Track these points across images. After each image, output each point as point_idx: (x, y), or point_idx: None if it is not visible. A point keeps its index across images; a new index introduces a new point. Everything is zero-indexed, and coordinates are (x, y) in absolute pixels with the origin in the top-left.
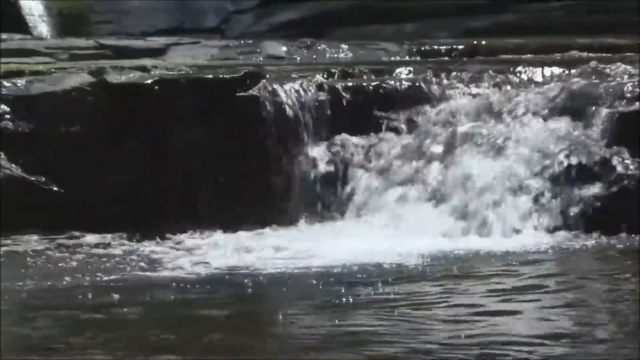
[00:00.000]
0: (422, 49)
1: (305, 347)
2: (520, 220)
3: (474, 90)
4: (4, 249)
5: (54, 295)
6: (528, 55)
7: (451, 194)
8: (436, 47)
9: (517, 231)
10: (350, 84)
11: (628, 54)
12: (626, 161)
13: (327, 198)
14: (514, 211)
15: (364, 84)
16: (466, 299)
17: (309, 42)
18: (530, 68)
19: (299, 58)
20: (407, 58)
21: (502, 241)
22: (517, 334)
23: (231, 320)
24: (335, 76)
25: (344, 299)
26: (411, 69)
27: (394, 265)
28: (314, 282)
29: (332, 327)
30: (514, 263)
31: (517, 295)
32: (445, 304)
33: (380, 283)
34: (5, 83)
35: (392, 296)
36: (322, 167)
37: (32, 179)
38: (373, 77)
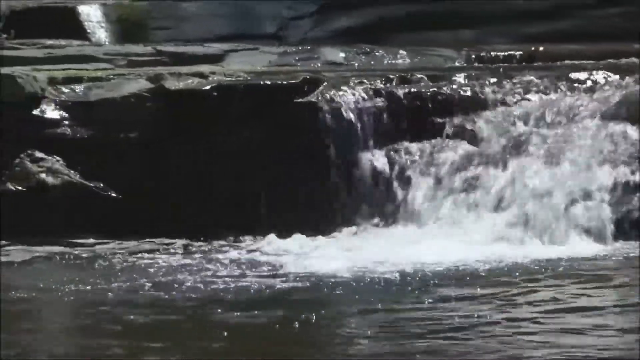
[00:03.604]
0: (480, 55)
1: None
2: (577, 227)
3: (533, 96)
4: (59, 251)
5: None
6: (586, 62)
7: (510, 201)
8: (494, 53)
9: (574, 238)
10: (408, 90)
11: None
12: None
13: (386, 204)
14: (573, 218)
15: (422, 90)
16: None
17: (367, 48)
18: (589, 74)
19: (357, 64)
20: (465, 64)
21: (559, 249)
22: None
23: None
24: (394, 82)
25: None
26: (469, 75)
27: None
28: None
29: None
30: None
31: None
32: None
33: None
34: (64, 89)
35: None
36: (381, 173)
37: (91, 185)
38: (431, 83)
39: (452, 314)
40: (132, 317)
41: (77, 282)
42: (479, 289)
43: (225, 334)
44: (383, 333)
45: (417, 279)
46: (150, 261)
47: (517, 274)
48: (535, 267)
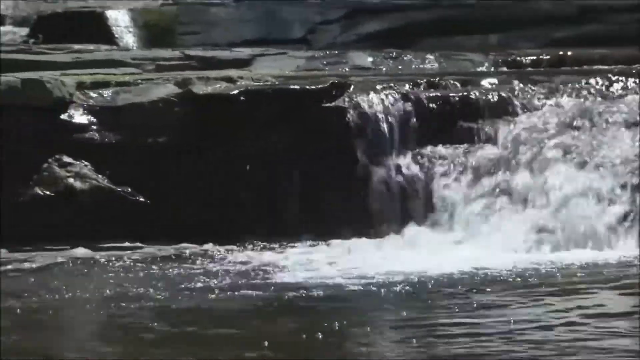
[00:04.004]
0: (508, 59)
1: None
2: (606, 233)
3: (560, 101)
4: (87, 255)
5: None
6: (614, 66)
7: (540, 206)
8: (522, 57)
9: (607, 243)
10: (436, 94)
11: None
12: None
13: (413, 208)
14: (601, 224)
15: (450, 94)
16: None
17: (394, 53)
18: (617, 79)
19: (385, 69)
20: (492, 69)
21: (592, 254)
22: None
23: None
24: (421, 87)
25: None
26: (497, 79)
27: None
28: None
29: None
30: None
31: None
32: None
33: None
34: (92, 94)
35: None
36: (408, 178)
37: (119, 189)
38: (459, 87)
39: (485, 321)
40: (152, 324)
41: (98, 288)
42: (512, 296)
43: (267, 343)
44: (413, 343)
45: (447, 285)
46: (174, 266)
47: (551, 279)
48: (570, 272)
